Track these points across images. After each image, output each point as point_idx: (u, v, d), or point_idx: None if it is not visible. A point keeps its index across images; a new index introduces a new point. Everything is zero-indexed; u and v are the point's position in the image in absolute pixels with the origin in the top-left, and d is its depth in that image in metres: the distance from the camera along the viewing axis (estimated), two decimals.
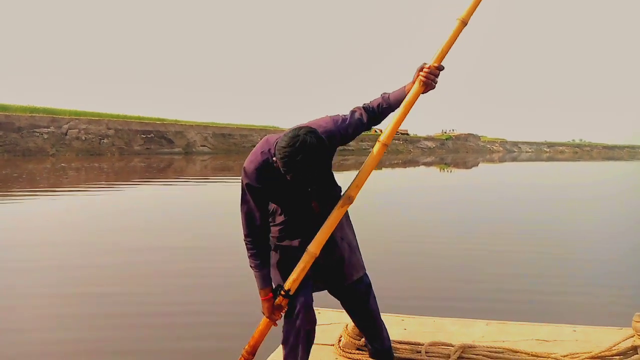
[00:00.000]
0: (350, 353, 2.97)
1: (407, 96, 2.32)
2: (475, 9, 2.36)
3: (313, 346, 3.02)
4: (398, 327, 3.33)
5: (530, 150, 78.01)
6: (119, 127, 33.68)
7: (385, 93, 2.41)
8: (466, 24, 2.36)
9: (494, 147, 71.51)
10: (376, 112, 2.39)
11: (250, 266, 2.38)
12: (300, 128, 2.06)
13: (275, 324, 2.46)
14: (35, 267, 6.00)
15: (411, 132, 60.72)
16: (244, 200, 2.30)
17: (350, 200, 2.36)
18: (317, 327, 3.23)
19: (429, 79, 2.27)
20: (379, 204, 11.65)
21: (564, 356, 2.86)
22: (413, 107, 2.36)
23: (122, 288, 5.30)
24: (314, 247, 2.32)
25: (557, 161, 52.43)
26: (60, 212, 10.34)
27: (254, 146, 2.32)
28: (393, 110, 2.38)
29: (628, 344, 2.83)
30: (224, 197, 13.15)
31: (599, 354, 2.83)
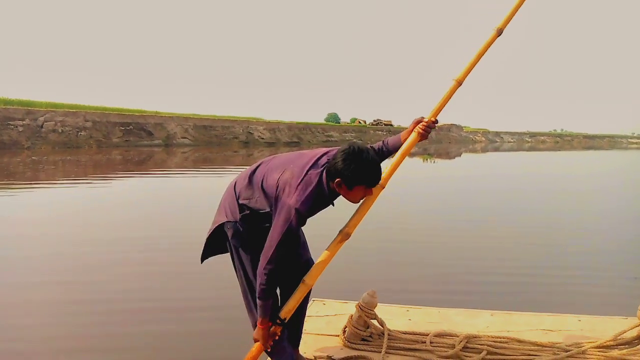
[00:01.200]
0: (355, 344, 2.95)
1: (404, 144, 2.55)
2: (470, 71, 2.62)
3: (318, 337, 3.04)
4: (403, 317, 3.30)
5: (512, 141, 78.45)
6: (97, 119, 32.69)
7: (385, 139, 2.66)
8: (461, 84, 2.61)
9: (477, 138, 71.82)
10: (377, 153, 2.58)
11: (260, 297, 2.37)
12: (355, 144, 2.33)
13: (269, 349, 2.51)
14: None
15: (395, 123, 60.93)
16: (286, 237, 2.28)
17: (347, 236, 2.45)
18: (322, 318, 3.26)
19: (427, 132, 2.55)
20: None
21: (569, 346, 2.86)
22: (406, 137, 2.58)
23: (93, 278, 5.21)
24: (310, 279, 2.43)
25: (538, 151, 52.82)
26: (38, 205, 10.02)
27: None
28: (390, 154, 2.62)
29: (633, 333, 2.84)
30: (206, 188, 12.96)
31: (604, 344, 2.83)
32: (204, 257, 2.68)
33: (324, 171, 2.32)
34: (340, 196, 2.40)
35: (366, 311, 2.94)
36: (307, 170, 2.32)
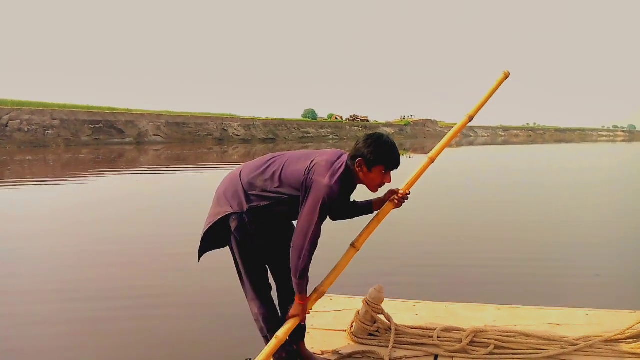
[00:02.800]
0: (363, 339, 2.94)
1: (380, 211, 2.66)
2: (442, 151, 2.76)
3: (326, 332, 3.05)
4: (410, 313, 3.30)
5: (486, 135, 78.68)
6: (65, 117, 31.84)
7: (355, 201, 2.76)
8: (434, 161, 2.75)
9: None
10: (351, 205, 2.72)
11: (301, 276, 2.45)
12: (376, 133, 2.57)
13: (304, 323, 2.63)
14: None
15: (371, 119, 61.11)
16: (321, 213, 2.39)
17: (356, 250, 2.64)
18: (329, 314, 3.25)
19: (401, 203, 2.65)
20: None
21: (577, 340, 2.85)
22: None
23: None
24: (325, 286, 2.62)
25: (512, 145, 52.93)
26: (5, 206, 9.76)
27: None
28: (359, 212, 2.73)
29: None
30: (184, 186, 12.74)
31: (612, 338, 2.82)
32: (202, 253, 2.64)
33: (349, 158, 2.51)
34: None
35: (373, 306, 2.94)
36: (335, 159, 2.49)
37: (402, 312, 3.24)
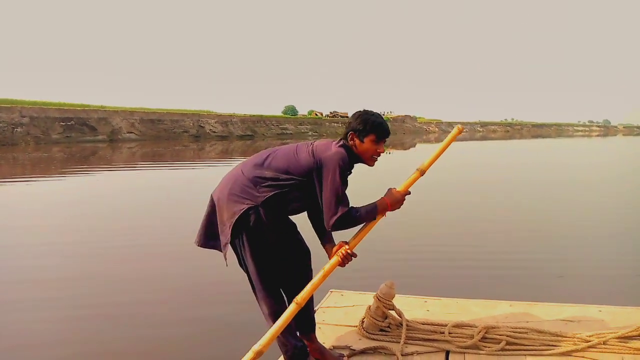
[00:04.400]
0: (374, 334, 2.93)
1: (326, 267, 2.50)
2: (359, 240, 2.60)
3: (336, 327, 3.06)
4: (421, 309, 3.28)
5: (465, 130, 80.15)
6: (35, 114, 30.88)
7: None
8: (384, 216, 2.62)
9: (430, 128, 72.42)
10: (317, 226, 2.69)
11: (356, 220, 2.51)
12: (366, 109, 2.65)
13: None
14: None
15: (351, 115, 61.12)
16: (342, 178, 2.47)
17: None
18: (340, 309, 3.23)
19: (345, 262, 2.53)
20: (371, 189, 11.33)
21: (590, 336, 2.82)
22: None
23: None
24: (302, 299, 2.46)
25: (490, 140, 52.82)
26: None
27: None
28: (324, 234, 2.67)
29: None
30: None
31: (626, 334, 2.79)
32: (224, 249, 2.59)
33: (342, 138, 2.64)
34: None
35: (384, 302, 2.92)
36: (331, 140, 2.64)
37: (413, 308, 3.23)
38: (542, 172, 16.84)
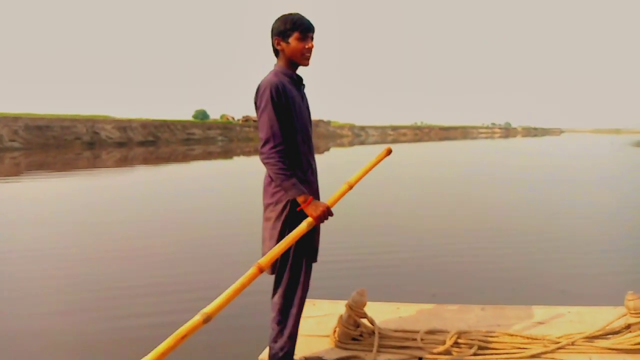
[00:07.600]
0: (346, 343, 2.91)
1: (240, 280, 2.17)
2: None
3: (308, 338, 3.01)
4: (394, 315, 3.28)
5: (376, 134, 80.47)
6: None
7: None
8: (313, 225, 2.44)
9: (343, 132, 73.08)
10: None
11: (283, 180, 2.43)
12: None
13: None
14: None
15: None
16: (275, 110, 2.44)
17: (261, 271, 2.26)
18: (311, 319, 3.22)
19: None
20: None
21: (559, 337, 2.87)
22: None
23: None
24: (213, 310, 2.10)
25: (400, 143, 52.91)
26: None
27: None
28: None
29: (621, 322, 2.87)
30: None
31: (593, 334, 2.86)
32: None
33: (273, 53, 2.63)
34: None
35: (356, 310, 2.90)
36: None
37: (386, 315, 3.22)
38: (489, 173, 17.19)
